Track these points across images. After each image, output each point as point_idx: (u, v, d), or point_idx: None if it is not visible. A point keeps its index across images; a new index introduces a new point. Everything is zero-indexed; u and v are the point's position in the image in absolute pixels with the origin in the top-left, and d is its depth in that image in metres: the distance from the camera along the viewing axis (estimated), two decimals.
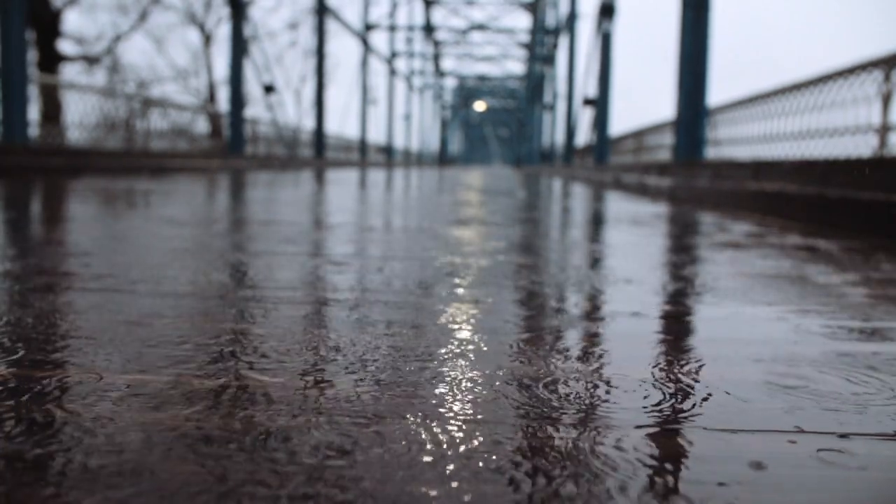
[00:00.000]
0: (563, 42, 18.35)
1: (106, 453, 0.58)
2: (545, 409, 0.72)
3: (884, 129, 3.85)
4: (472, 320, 1.13)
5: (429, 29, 31.46)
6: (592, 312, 1.23)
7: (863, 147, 3.97)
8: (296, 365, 0.85)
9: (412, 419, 0.68)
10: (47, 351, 0.88)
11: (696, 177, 5.36)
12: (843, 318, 1.21)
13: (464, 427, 0.66)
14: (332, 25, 20.74)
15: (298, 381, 0.78)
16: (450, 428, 0.66)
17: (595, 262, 1.92)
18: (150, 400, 0.71)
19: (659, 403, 0.75)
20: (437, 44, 35.96)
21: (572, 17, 16.45)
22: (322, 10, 16.80)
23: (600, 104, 11.40)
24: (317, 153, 16.78)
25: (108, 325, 1.02)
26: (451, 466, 0.57)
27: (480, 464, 0.58)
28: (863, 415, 0.73)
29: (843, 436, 0.67)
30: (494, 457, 0.60)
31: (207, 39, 24.75)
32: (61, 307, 1.13)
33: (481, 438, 0.63)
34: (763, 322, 1.18)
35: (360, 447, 0.61)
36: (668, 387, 0.81)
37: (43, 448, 0.59)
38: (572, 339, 1.03)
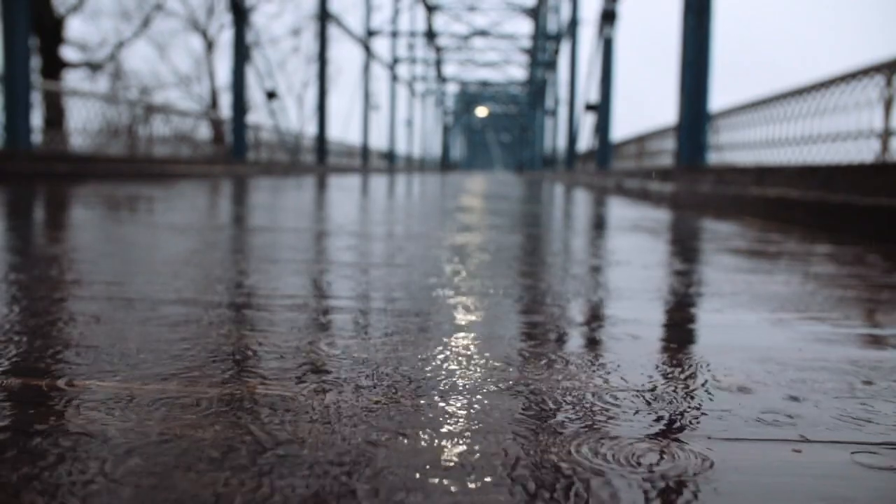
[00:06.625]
0: (565, 47, 18.37)
1: None
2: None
3: (886, 134, 3.85)
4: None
5: (431, 35, 31.50)
6: (592, 320, 1.23)
7: (865, 152, 3.97)
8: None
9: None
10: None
11: (698, 182, 5.36)
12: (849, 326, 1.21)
13: None
14: (334, 31, 20.77)
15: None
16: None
17: (595, 269, 1.92)
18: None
19: (660, 414, 0.75)
20: (438, 49, 36.00)
21: (574, 23, 16.47)
22: (324, 17, 16.84)
23: (602, 109, 11.40)
24: (319, 159, 16.79)
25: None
26: None
27: None
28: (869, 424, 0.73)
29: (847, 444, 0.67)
30: None
31: (210, 46, 24.85)
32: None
33: None
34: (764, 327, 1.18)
35: None
36: (670, 390, 0.81)
37: None
38: (575, 343, 1.03)
